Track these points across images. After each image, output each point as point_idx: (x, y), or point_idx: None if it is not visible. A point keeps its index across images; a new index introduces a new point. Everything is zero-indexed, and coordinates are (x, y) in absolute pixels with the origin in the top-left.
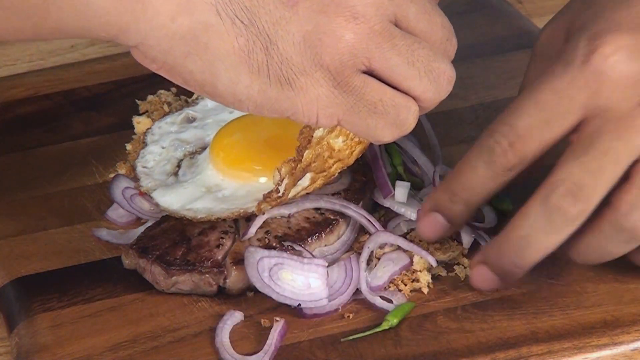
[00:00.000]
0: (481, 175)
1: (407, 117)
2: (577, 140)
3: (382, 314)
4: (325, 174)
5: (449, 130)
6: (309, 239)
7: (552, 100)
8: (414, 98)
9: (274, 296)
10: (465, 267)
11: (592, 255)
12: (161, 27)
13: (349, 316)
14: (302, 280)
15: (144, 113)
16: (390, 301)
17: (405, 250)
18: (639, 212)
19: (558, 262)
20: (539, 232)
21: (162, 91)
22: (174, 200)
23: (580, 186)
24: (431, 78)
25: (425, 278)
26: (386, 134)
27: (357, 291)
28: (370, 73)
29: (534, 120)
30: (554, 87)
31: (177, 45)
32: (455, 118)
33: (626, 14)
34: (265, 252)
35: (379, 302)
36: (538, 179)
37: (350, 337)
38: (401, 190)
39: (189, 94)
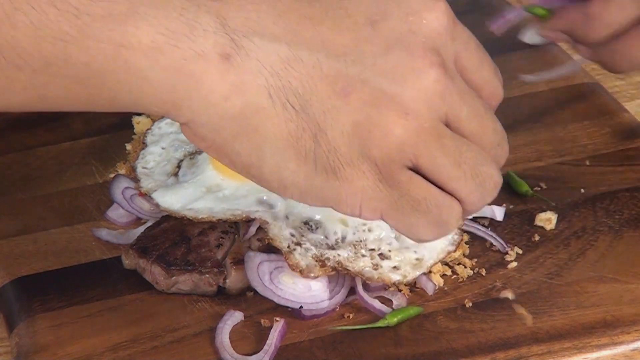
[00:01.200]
0: (628, 13)
1: (449, 218)
2: None
3: (383, 313)
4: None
5: None
6: None
7: None
8: (458, 200)
9: (275, 299)
10: (466, 267)
11: (638, 60)
12: (214, 105)
13: (349, 316)
14: (303, 282)
15: (144, 113)
16: (390, 301)
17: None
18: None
19: (558, 262)
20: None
21: None
22: (175, 200)
23: None
24: (477, 182)
25: (468, 263)
26: (427, 233)
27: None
28: (416, 170)
29: None
30: None
31: (228, 125)
32: None
33: None
34: (265, 256)
35: (377, 304)
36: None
37: (338, 328)
38: None
39: None
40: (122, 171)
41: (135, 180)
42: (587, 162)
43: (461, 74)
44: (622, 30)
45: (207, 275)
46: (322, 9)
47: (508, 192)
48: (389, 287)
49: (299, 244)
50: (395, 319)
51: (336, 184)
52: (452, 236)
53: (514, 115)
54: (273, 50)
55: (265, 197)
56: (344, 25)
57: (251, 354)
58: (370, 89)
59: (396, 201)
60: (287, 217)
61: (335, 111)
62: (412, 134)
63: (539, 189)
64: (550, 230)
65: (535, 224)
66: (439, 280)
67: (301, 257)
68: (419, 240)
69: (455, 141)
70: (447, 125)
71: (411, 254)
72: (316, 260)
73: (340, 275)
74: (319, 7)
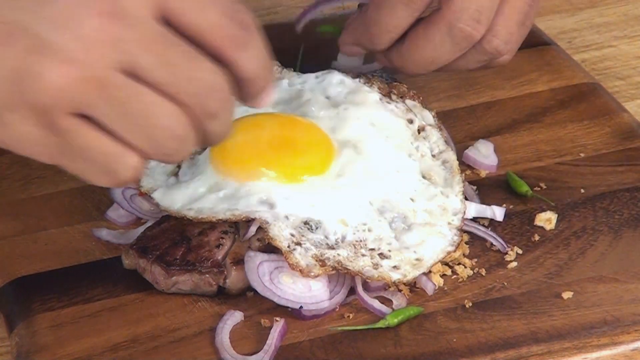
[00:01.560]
0: (399, 15)
1: (118, 168)
2: None
3: (382, 313)
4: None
5: (449, 130)
6: None
7: None
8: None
9: (275, 299)
10: (466, 267)
11: (424, 60)
12: None
13: (349, 316)
14: (303, 282)
15: None
16: (390, 301)
17: None
18: (466, 14)
19: (558, 262)
20: (445, 54)
21: None
22: (175, 200)
23: (481, 11)
24: (147, 133)
25: (468, 263)
26: (96, 179)
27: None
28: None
29: None
30: None
31: None
32: (455, 118)
33: None
34: (265, 257)
35: (377, 304)
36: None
37: (339, 328)
38: None
39: None
40: None
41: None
42: (587, 162)
43: (175, 20)
44: (400, 33)
45: (207, 275)
46: None
47: (508, 192)
48: (389, 286)
49: (299, 243)
50: (395, 320)
51: None
52: (452, 237)
53: (513, 115)
54: None
55: (265, 197)
56: None
57: (251, 354)
58: (31, 36)
59: (62, 147)
60: (287, 217)
61: None
62: (73, 82)
63: (539, 189)
64: (550, 230)
65: (535, 224)
66: (438, 280)
67: (301, 256)
68: (96, 184)
69: (125, 90)
70: (132, 74)
71: (411, 254)
72: (316, 260)
73: (340, 275)
74: None
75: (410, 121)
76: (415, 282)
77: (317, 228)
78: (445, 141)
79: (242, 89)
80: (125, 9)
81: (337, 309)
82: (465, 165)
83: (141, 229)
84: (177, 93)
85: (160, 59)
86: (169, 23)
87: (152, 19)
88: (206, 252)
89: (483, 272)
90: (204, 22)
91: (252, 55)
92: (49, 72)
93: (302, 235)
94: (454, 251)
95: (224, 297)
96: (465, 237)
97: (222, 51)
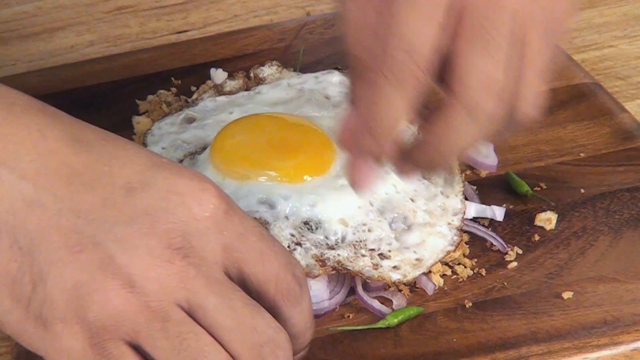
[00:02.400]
0: (397, 103)
1: None
2: (461, 32)
3: (382, 313)
4: None
5: None
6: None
7: None
8: None
9: None
10: (466, 267)
11: (452, 149)
12: None
13: (349, 316)
14: None
15: (144, 113)
16: (390, 301)
17: None
18: (484, 93)
19: (558, 262)
20: (470, 137)
21: (162, 91)
22: None
23: (498, 85)
24: None
25: (468, 263)
26: None
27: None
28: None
29: (412, 21)
30: None
31: None
32: None
33: None
34: None
35: (377, 305)
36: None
37: (339, 328)
38: None
39: (189, 93)
40: None
41: None
42: (587, 162)
43: (238, 268)
44: (400, 121)
45: None
46: (86, 160)
47: (508, 192)
48: (389, 286)
49: (299, 244)
50: (395, 320)
51: (45, 335)
52: (452, 237)
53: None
54: (17, 187)
55: (265, 197)
56: (99, 183)
57: None
58: (101, 252)
59: None
60: (287, 218)
61: (61, 264)
62: (133, 308)
63: (539, 189)
64: (550, 230)
65: (535, 224)
66: (438, 280)
67: (301, 257)
68: None
69: (185, 327)
70: (193, 314)
71: (411, 254)
72: (316, 260)
73: (340, 275)
74: (84, 157)
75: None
76: (415, 282)
77: (317, 228)
78: None
79: None
80: (195, 249)
81: (337, 309)
82: (465, 165)
83: None
84: (236, 341)
85: (226, 303)
86: (231, 269)
87: (219, 265)
88: None
89: (483, 272)
90: (265, 274)
91: (303, 311)
92: (114, 293)
93: (302, 236)
94: (454, 251)
95: None
96: (465, 237)
97: (279, 305)
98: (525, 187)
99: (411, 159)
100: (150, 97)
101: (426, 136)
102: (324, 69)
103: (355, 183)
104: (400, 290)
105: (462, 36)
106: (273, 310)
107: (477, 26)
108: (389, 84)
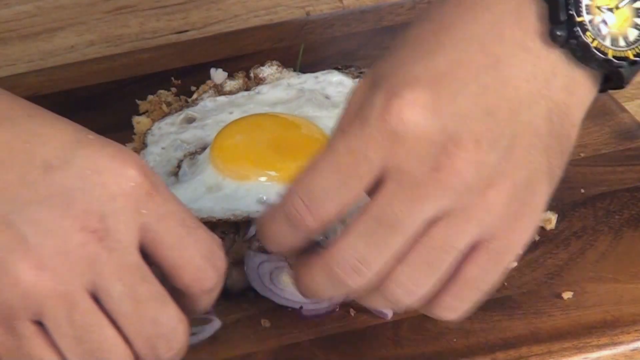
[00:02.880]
0: (287, 235)
1: None
2: (366, 209)
3: (382, 313)
4: None
5: None
6: None
7: (347, 160)
8: None
9: (275, 299)
10: None
11: (305, 291)
12: None
13: (349, 316)
14: None
15: (144, 113)
16: None
17: None
18: (401, 288)
19: (558, 262)
20: (326, 292)
21: (162, 91)
22: None
23: (362, 262)
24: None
25: None
26: None
27: None
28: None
29: (329, 182)
30: (349, 145)
31: None
32: None
33: (425, 68)
34: (265, 257)
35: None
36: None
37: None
38: None
39: (189, 93)
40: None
41: None
42: (587, 162)
43: (153, 249)
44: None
45: None
46: (5, 138)
47: None
48: None
49: None
50: None
51: None
52: None
53: None
54: None
55: (265, 197)
56: (17, 161)
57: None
58: (13, 233)
59: (13, 350)
60: None
61: None
62: (40, 290)
63: None
64: (550, 230)
65: None
66: None
67: None
68: None
69: (86, 317)
70: (96, 296)
71: None
72: None
73: None
74: (4, 134)
75: None
76: None
77: None
78: None
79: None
80: (109, 231)
81: (337, 309)
82: None
83: None
84: (134, 331)
85: (131, 293)
86: (146, 247)
87: (133, 246)
88: None
89: None
90: (180, 260)
91: (211, 300)
92: (24, 275)
93: None
94: None
95: (224, 297)
96: None
97: (191, 292)
98: None
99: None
100: (150, 97)
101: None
102: (324, 69)
103: (272, 245)
104: None
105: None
106: (183, 294)
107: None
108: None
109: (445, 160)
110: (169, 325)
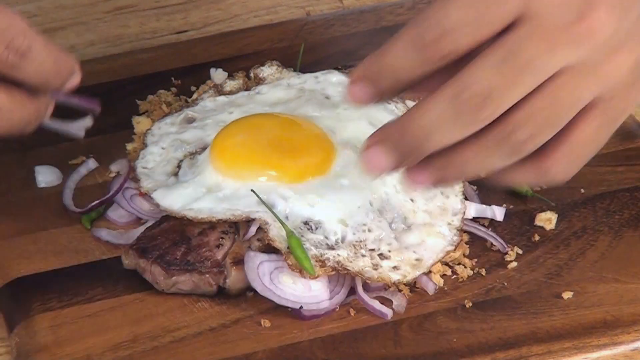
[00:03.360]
0: (408, 62)
1: None
2: (501, 43)
3: (383, 314)
4: None
5: None
6: None
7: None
8: None
9: (275, 299)
10: (466, 267)
11: (471, 166)
12: None
13: (349, 316)
14: (303, 282)
15: (144, 113)
16: (390, 301)
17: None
18: (522, 131)
19: (558, 262)
20: (443, 125)
21: (162, 91)
22: (175, 200)
23: (493, 92)
24: None
25: (468, 263)
26: None
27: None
28: None
29: (464, 17)
30: None
31: None
32: None
33: None
34: (265, 257)
35: (377, 305)
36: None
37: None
38: None
39: (189, 93)
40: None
41: (135, 180)
42: (587, 162)
43: None
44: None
45: (207, 275)
46: None
47: (508, 192)
48: (389, 287)
49: None
50: None
51: None
52: (452, 237)
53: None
54: None
55: (265, 197)
56: None
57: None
58: None
59: None
60: (287, 218)
61: None
62: None
63: (539, 189)
64: (550, 230)
65: (535, 224)
66: (439, 280)
67: None
68: None
69: None
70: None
71: (411, 254)
72: (316, 261)
73: (340, 275)
74: None
75: None
76: (415, 282)
77: (317, 228)
78: None
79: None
80: None
81: (337, 309)
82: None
83: (141, 229)
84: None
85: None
86: None
87: None
88: (206, 252)
89: (483, 272)
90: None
91: (30, 65)
92: None
93: (302, 236)
94: (454, 251)
95: (224, 297)
96: (465, 237)
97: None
98: (525, 187)
99: (428, 168)
100: (150, 97)
101: (452, 152)
102: (324, 69)
103: (371, 169)
104: (400, 290)
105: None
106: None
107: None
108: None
109: (589, 14)
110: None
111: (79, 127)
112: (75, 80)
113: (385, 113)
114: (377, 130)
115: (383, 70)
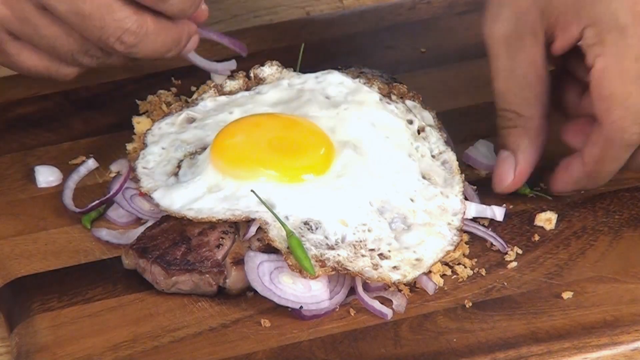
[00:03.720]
0: (621, 160)
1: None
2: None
3: (383, 314)
4: None
5: (449, 130)
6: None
7: None
8: None
9: (275, 299)
10: (466, 267)
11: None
12: None
13: (349, 316)
14: (302, 282)
15: (144, 113)
16: (390, 301)
17: None
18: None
19: (558, 262)
20: (620, 162)
21: (162, 91)
22: (175, 200)
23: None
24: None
25: (468, 263)
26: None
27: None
28: None
29: None
30: None
31: None
32: (455, 118)
33: None
34: (265, 257)
35: (377, 305)
36: None
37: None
38: None
39: (189, 94)
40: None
41: (136, 180)
42: None
43: None
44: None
45: (207, 275)
46: None
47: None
48: (389, 287)
49: None
50: None
51: None
52: (452, 237)
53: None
54: None
55: (265, 197)
56: None
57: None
58: None
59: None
60: (287, 218)
61: None
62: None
63: (539, 189)
64: (550, 230)
65: (535, 224)
66: (438, 280)
67: None
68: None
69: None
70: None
71: (411, 254)
72: (316, 261)
73: (340, 275)
74: None
75: (410, 122)
76: (415, 282)
77: (317, 228)
78: (445, 141)
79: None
80: None
81: (337, 309)
82: (465, 165)
83: (141, 229)
84: (87, 35)
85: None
86: None
87: None
88: (206, 252)
89: (483, 272)
90: None
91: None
92: None
93: (302, 236)
94: (454, 251)
95: (224, 297)
96: (465, 237)
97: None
98: (525, 189)
99: (579, 185)
100: (150, 97)
101: (588, 172)
102: (324, 69)
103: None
104: (400, 290)
105: None
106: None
107: None
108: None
109: None
110: (119, 27)
111: (224, 68)
112: (204, 11)
113: (386, 112)
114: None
115: (599, 180)
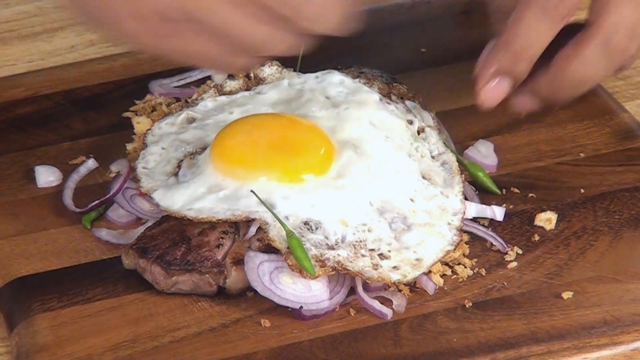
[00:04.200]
0: (540, 29)
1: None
2: None
3: (383, 314)
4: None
5: (449, 130)
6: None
7: None
8: None
9: (275, 299)
10: (466, 267)
11: (576, 81)
12: None
13: (349, 316)
14: (302, 282)
15: (143, 113)
16: (390, 301)
17: None
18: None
19: (558, 262)
20: (598, 71)
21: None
22: (175, 200)
23: (635, 24)
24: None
25: (468, 263)
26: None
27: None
28: None
29: None
30: None
31: None
32: (455, 118)
33: None
34: (265, 257)
35: (377, 305)
36: None
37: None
38: None
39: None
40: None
41: (135, 180)
42: (587, 162)
43: None
44: (542, 48)
45: (207, 275)
46: None
47: (508, 192)
48: (389, 287)
49: None
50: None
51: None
52: (452, 237)
53: (513, 115)
54: None
55: (265, 198)
56: None
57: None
58: None
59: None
60: (287, 218)
61: None
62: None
63: (539, 189)
64: (550, 230)
65: (535, 224)
66: (439, 280)
67: None
68: None
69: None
70: None
71: (411, 254)
72: (316, 261)
73: (340, 275)
74: None
75: (410, 122)
76: (415, 282)
77: (317, 228)
78: (445, 142)
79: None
80: None
81: (337, 309)
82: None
83: (141, 229)
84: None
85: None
86: None
87: None
88: (206, 252)
89: (483, 272)
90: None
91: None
92: None
93: (302, 236)
94: (454, 251)
95: (224, 297)
96: (465, 237)
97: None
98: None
99: (536, 89)
100: (149, 97)
101: (556, 66)
102: (324, 69)
103: (484, 100)
104: (400, 290)
105: None
106: None
107: None
108: (544, 14)
109: None
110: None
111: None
112: None
113: (386, 112)
114: (483, 62)
115: (518, 51)
